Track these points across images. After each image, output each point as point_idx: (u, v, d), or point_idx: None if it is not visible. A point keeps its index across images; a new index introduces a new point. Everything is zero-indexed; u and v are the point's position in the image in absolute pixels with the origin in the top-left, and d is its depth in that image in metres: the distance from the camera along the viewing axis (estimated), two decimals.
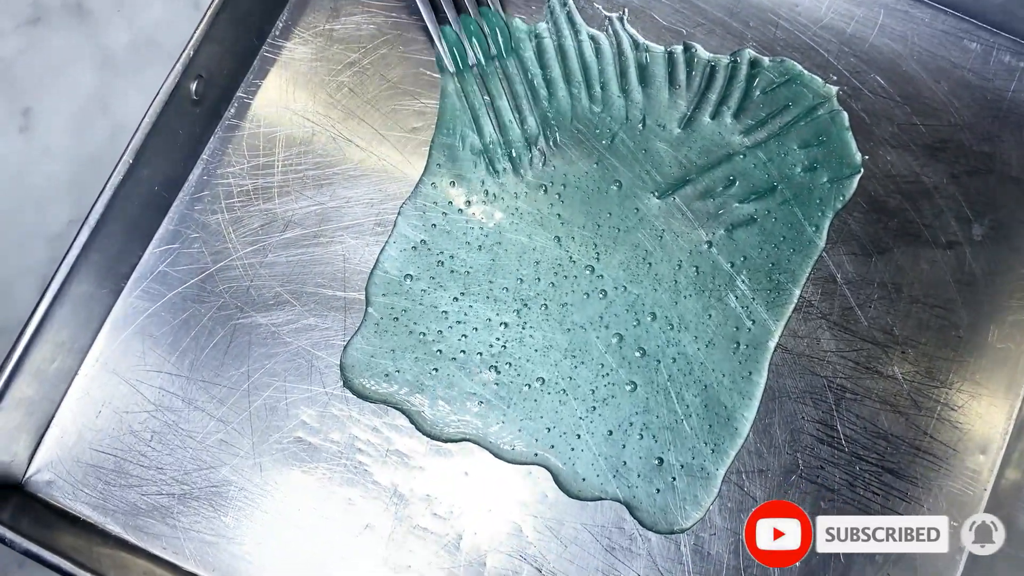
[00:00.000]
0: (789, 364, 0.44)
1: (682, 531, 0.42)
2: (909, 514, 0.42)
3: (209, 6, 0.42)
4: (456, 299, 0.44)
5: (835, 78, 0.47)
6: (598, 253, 0.44)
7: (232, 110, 0.46)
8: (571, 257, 0.44)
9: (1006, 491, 0.42)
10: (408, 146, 0.46)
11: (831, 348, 0.44)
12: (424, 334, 0.43)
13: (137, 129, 0.41)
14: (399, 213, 0.45)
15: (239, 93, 0.46)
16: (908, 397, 0.44)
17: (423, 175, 0.45)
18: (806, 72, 0.47)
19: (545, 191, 0.45)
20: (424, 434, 0.43)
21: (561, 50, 0.47)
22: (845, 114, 0.46)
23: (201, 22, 0.42)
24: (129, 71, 0.49)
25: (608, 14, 0.47)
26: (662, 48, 0.47)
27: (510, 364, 0.43)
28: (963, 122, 0.46)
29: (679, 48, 0.47)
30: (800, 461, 0.43)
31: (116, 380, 0.43)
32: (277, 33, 0.47)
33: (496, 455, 0.43)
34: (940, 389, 0.44)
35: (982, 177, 0.46)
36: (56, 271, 0.40)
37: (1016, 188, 0.46)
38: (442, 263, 0.44)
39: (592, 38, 0.47)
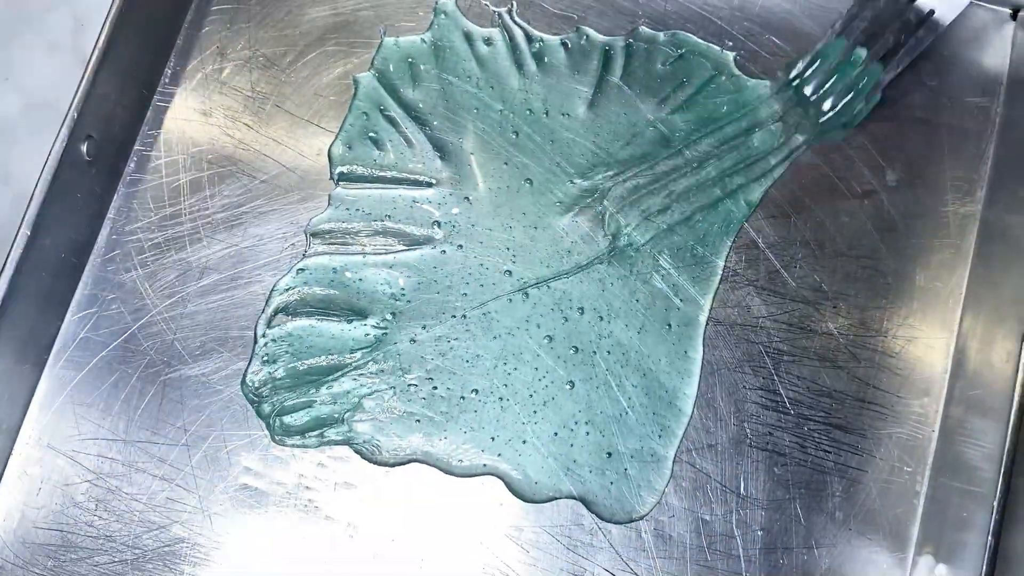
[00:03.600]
0: (723, 336, 0.44)
1: (641, 518, 0.42)
2: (861, 467, 0.42)
3: (87, 65, 0.42)
4: (376, 323, 0.43)
5: (731, 44, 0.47)
6: (513, 256, 0.44)
7: (132, 164, 0.45)
8: (481, 264, 0.44)
9: (953, 429, 0.42)
10: (313, 173, 0.45)
11: (763, 313, 0.44)
12: (348, 364, 0.43)
13: (31, 198, 0.40)
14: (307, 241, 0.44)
15: (136, 147, 0.45)
16: (846, 351, 0.44)
17: (329, 200, 0.45)
18: (701, 42, 0.47)
19: (453, 199, 0.44)
20: (370, 462, 0.42)
21: (454, 53, 0.46)
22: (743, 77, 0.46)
23: (81, 82, 0.41)
24: (26, 136, 0.48)
25: (496, 9, 0.47)
26: (557, 38, 0.46)
27: (443, 379, 0.43)
28: None
29: (572, 35, 0.46)
30: (748, 430, 0.43)
31: (52, 454, 0.42)
32: (167, 81, 0.46)
33: (445, 471, 0.42)
34: (876, 338, 0.44)
35: (888, 123, 0.46)
36: None
37: (923, 128, 0.46)
38: (349, 286, 0.44)
39: (485, 39, 0.46)
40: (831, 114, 0.44)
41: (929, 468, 0.42)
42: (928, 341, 0.44)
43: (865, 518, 0.42)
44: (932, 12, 0.44)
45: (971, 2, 0.45)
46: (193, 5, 0.47)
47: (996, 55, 0.47)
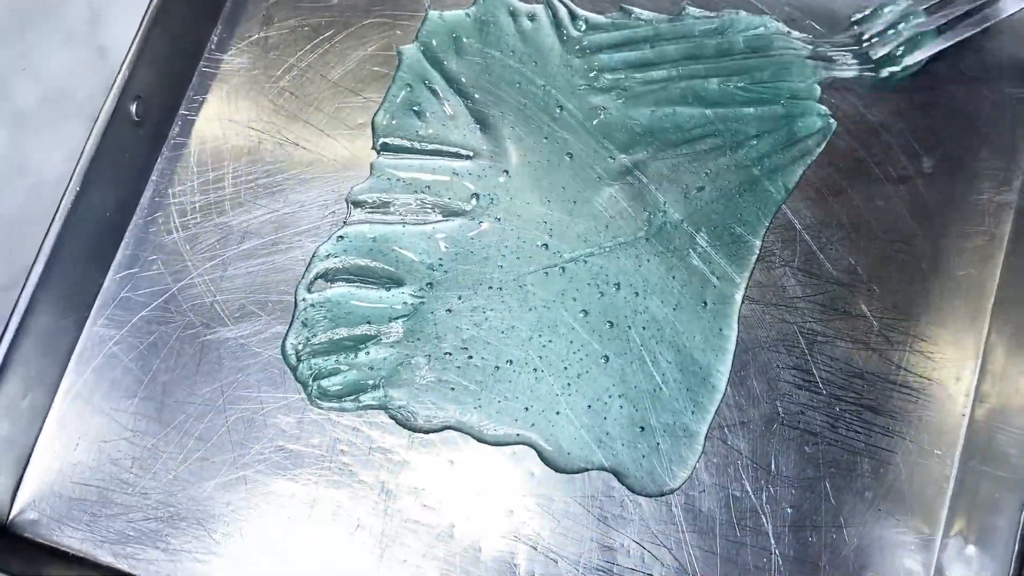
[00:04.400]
0: (758, 315, 0.44)
1: (671, 492, 0.42)
2: (891, 449, 0.43)
3: (140, 26, 0.42)
4: (413, 292, 0.44)
5: (776, 24, 0.47)
6: (551, 229, 0.44)
7: (176, 128, 0.46)
8: (519, 236, 0.44)
9: (983, 414, 0.43)
10: (356, 142, 0.46)
11: (798, 294, 0.44)
12: (385, 331, 0.43)
13: (81, 155, 0.41)
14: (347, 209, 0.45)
15: (181, 111, 0.46)
16: (879, 333, 0.44)
17: (371, 169, 0.45)
18: (754, 17, 0.47)
19: (492, 171, 0.45)
20: (404, 427, 0.43)
21: (498, 28, 0.47)
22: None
23: (134, 42, 0.42)
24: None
25: None
26: (601, 16, 0.47)
27: (478, 349, 0.43)
28: None
29: (616, 14, 0.47)
30: (780, 409, 0.43)
31: (90, 410, 0.43)
32: (213, 47, 0.47)
33: (479, 439, 0.43)
34: (909, 322, 0.44)
35: (926, 111, 0.46)
36: (15, 306, 0.40)
37: (961, 118, 0.46)
38: (387, 255, 0.44)
39: (528, 15, 0.47)
40: (876, 63, 0.46)
41: (959, 452, 0.43)
42: (960, 326, 0.44)
43: (894, 499, 0.42)
44: None
45: None
46: None
47: None
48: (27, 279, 0.40)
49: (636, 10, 0.47)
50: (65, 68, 0.48)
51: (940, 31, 0.45)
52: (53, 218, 0.40)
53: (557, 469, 0.42)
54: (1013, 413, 0.41)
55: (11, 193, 0.47)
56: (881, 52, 0.46)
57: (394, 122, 0.45)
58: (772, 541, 0.42)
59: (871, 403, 0.43)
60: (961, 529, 0.41)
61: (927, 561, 0.42)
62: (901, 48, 0.46)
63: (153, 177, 0.45)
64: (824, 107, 0.46)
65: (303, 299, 0.44)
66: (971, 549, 0.40)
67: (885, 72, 0.46)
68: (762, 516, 0.42)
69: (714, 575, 0.41)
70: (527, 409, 0.43)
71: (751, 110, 0.45)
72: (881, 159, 0.46)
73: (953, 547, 0.41)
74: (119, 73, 0.41)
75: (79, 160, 0.41)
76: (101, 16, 0.49)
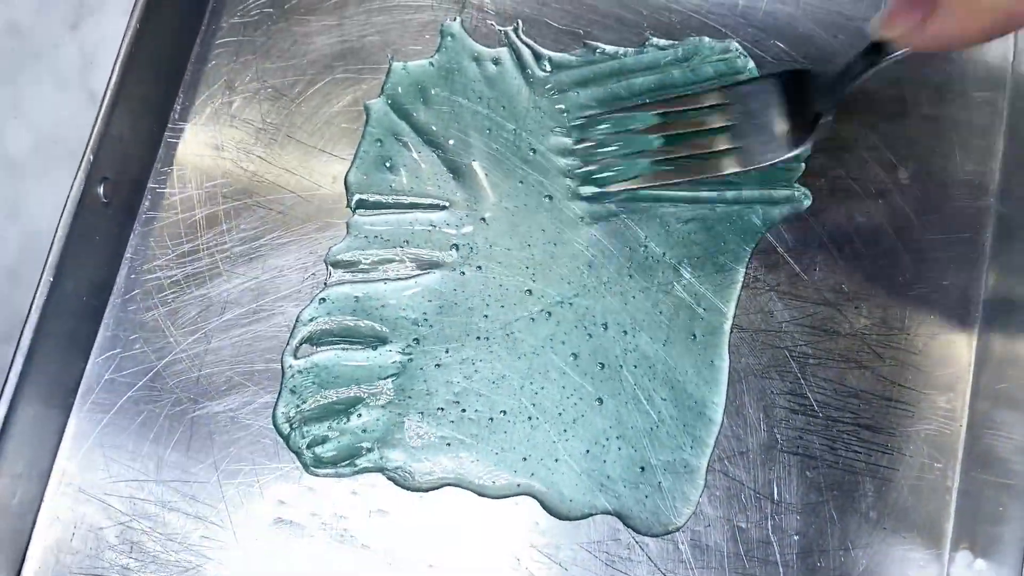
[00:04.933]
0: (748, 343, 0.44)
1: (677, 529, 0.42)
2: (892, 466, 0.42)
3: (101, 104, 0.42)
4: (401, 349, 0.43)
5: (740, 50, 0.47)
6: (533, 274, 0.44)
7: (146, 203, 0.45)
8: (501, 284, 0.44)
9: (980, 423, 0.43)
10: (330, 202, 0.45)
11: (786, 318, 0.44)
12: (375, 392, 0.43)
13: (52, 243, 0.40)
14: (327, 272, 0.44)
15: (150, 184, 0.45)
16: (870, 350, 0.44)
17: (348, 228, 0.45)
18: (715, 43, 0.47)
19: (470, 220, 0.45)
20: (403, 488, 0.42)
21: (463, 75, 0.46)
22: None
23: (95, 123, 0.41)
24: (37, 174, 0.47)
25: (502, 28, 0.47)
26: (565, 54, 0.47)
27: (470, 402, 0.43)
28: None
29: (581, 50, 0.47)
30: (778, 435, 0.43)
31: (84, 498, 0.42)
32: (176, 117, 0.46)
33: (479, 493, 0.42)
34: (899, 335, 0.44)
35: (897, 121, 0.46)
36: None
37: (931, 125, 0.46)
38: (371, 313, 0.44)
39: (493, 59, 0.46)
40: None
41: (959, 463, 0.43)
42: (951, 336, 0.44)
43: (899, 516, 0.42)
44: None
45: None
46: (198, 39, 0.47)
47: (999, 48, 0.47)
48: (8, 372, 0.39)
49: (600, 45, 0.47)
50: (58, 115, 0.48)
51: (654, 168, 0.44)
52: (29, 309, 0.39)
53: (561, 517, 0.42)
54: (1010, 420, 0.41)
55: (4, 242, 0.46)
56: (585, 169, 0.45)
57: (367, 178, 0.45)
58: (781, 570, 0.42)
59: (868, 422, 0.43)
60: (968, 542, 0.41)
61: None
62: (604, 173, 0.44)
63: (127, 255, 0.45)
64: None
65: (290, 366, 0.43)
66: (980, 563, 0.40)
67: (583, 190, 0.45)
68: (769, 546, 0.42)
69: None
70: (525, 459, 0.42)
71: None
72: (857, 174, 0.46)
73: (961, 561, 0.41)
74: (83, 157, 0.41)
75: (50, 248, 0.40)
76: (93, 63, 0.48)
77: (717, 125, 0.43)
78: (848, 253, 0.45)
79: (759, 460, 0.43)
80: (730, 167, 0.42)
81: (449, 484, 0.42)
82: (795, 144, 0.41)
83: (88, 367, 0.44)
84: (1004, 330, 0.43)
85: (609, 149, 0.44)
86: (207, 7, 0.47)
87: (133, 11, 0.43)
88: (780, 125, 0.42)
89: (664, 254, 0.44)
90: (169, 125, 0.46)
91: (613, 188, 0.44)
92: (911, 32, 0.33)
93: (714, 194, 0.44)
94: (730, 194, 0.44)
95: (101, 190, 0.42)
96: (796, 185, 0.45)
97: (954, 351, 0.44)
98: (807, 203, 0.45)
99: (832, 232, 0.45)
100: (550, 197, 0.45)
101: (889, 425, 0.43)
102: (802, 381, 0.43)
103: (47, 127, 0.48)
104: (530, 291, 0.44)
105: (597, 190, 0.44)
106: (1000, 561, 0.40)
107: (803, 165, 0.45)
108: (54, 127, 0.48)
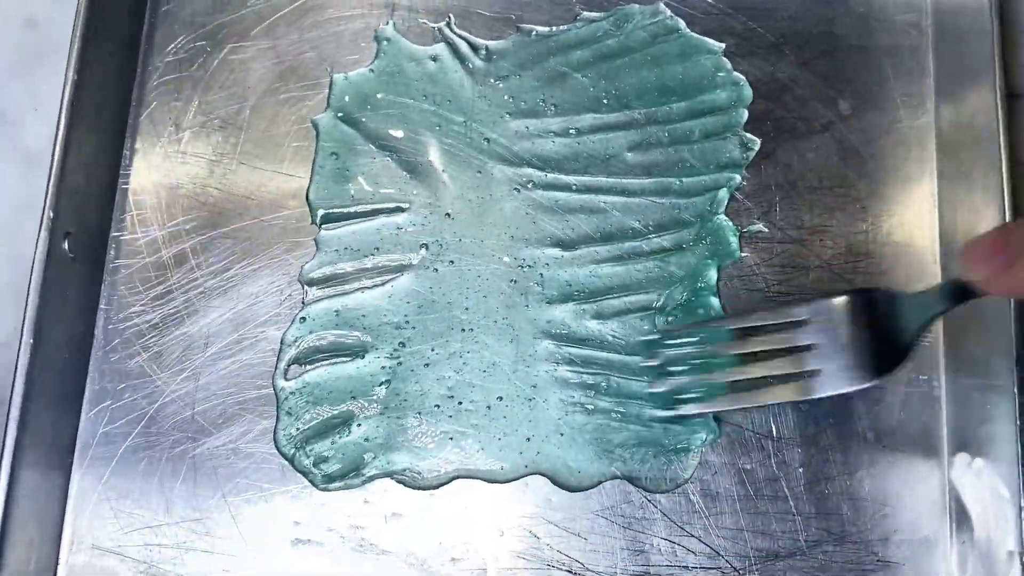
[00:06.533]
0: (724, 292, 0.45)
1: (685, 482, 0.43)
2: (880, 387, 0.44)
3: (52, 160, 0.41)
4: (388, 355, 0.44)
5: (669, 12, 0.48)
6: (507, 259, 0.45)
7: (111, 252, 0.45)
8: (478, 275, 0.45)
9: (956, 331, 0.44)
10: (294, 221, 0.45)
11: (755, 261, 0.45)
12: (371, 400, 0.43)
13: (26, 306, 0.40)
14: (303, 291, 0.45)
15: (112, 233, 0.45)
16: (841, 278, 0.45)
17: (316, 244, 0.45)
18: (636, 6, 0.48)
19: (434, 217, 0.45)
20: (414, 488, 0.43)
21: (404, 76, 0.47)
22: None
23: (50, 178, 0.41)
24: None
25: (435, 25, 0.48)
26: (501, 42, 0.47)
27: (465, 393, 0.43)
28: (796, 12, 0.48)
29: (516, 36, 0.47)
30: None
31: (99, 554, 0.42)
32: (127, 162, 0.46)
33: (490, 480, 0.43)
34: (865, 259, 0.45)
35: (829, 56, 0.47)
36: None
37: (863, 55, 0.48)
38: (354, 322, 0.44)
39: (431, 57, 0.47)
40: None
41: (943, 373, 0.44)
42: (914, 253, 0.45)
43: (895, 433, 0.44)
44: None
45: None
46: (136, 82, 0.47)
47: None
48: (3, 440, 0.39)
49: (534, 27, 0.47)
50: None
51: (733, 388, 0.41)
52: (14, 378, 0.39)
53: (572, 489, 0.43)
54: (983, 324, 0.43)
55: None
56: (659, 389, 0.43)
57: (327, 192, 0.45)
58: (792, 503, 0.43)
59: None
60: (964, 446, 0.43)
61: (940, 483, 0.43)
62: (681, 394, 0.42)
63: (102, 306, 0.44)
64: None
65: (282, 389, 0.43)
66: (978, 462, 0.42)
67: (655, 412, 0.43)
68: (777, 482, 0.43)
69: (745, 550, 0.42)
70: (529, 439, 0.43)
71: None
72: (800, 113, 0.47)
73: (960, 464, 0.43)
74: (43, 215, 0.41)
75: (25, 310, 0.40)
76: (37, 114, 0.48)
77: (796, 344, 0.40)
78: (803, 189, 0.46)
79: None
80: (809, 392, 0.39)
81: (458, 477, 0.43)
82: (877, 373, 0.38)
83: (81, 423, 0.43)
84: (963, 235, 0.44)
85: (684, 368, 0.42)
86: (139, 50, 0.47)
87: (68, 65, 0.42)
88: (861, 349, 0.39)
89: (640, 224, 0.45)
90: (121, 171, 0.46)
91: (691, 411, 0.42)
92: (992, 280, 0.34)
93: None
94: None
95: (66, 245, 0.42)
96: (743, 135, 0.46)
97: (920, 267, 0.45)
98: (753, 152, 0.46)
99: (785, 172, 0.46)
100: (518, 185, 0.45)
101: None
102: None
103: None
104: (510, 278, 0.44)
105: (673, 413, 0.42)
106: (996, 458, 0.41)
107: (746, 112, 0.47)
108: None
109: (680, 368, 0.42)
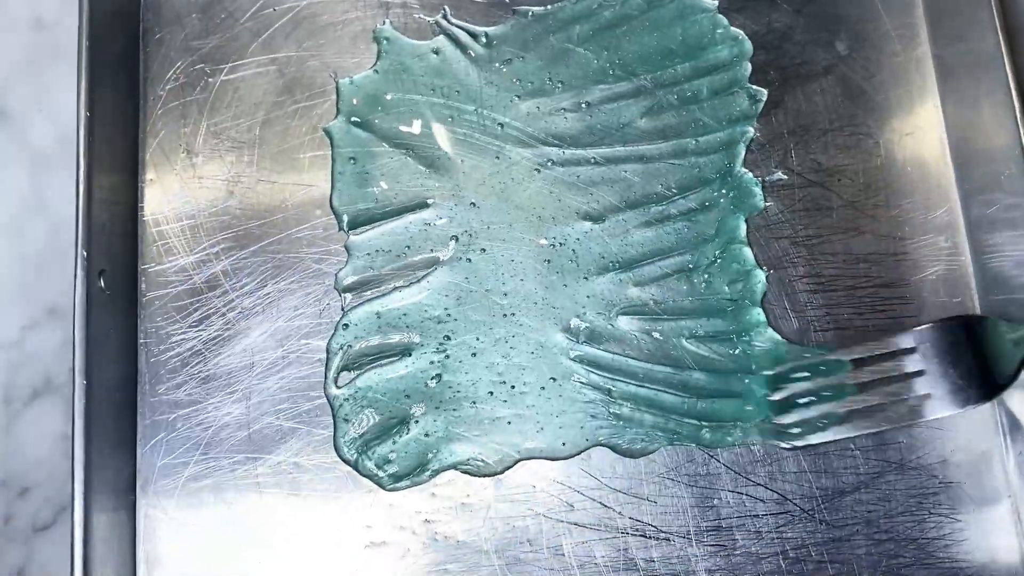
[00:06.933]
0: (753, 243, 0.45)
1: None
2: (916, 315, 0.45)
3: (77, 201, 0.41)
4: (435, 350, 0.44)
5: None
6: (540, 239, 0.45)
7: (143, 285, 0.45)
8: (511, 259, 0.45)
9: (980, 246, 0.45)
10: (322, 230, 0.45)
11: (780, 208, 0.46)
12: (425, 396, 0.44)
13: (74, 349, 0.40)
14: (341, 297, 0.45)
15: (141, 266, 0.45)
16: (864, 214, 0.46)
17: (347, 250, 0.45)
18: None
19: (460, 208, 0.45)
20: (480, 476, 0.43)
21: (409, 73, 0.47)
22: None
23: (78, 218, 0.41)
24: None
25: (431, 18, 0.48)
26: (499, 27, 0.47)
27: (517, 376, 0.44)
28: None
29: (513, 19, 0.47)
30: (808, 318, 0.45)
31: None
32: (144, 195, 0.46)
33: (552, 458, 0.43)
34: (884, 191, 0.46)
35: (820, 1, 0.48)
36: (72, 533, 0.39)
37: None
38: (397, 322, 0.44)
39: (433, 50, 0.47)
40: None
41: (976, 293, 0.45)
42: (932, 178, 0.46)
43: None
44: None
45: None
46: (143, 114, 0.47)
47: None
48: (72, 496, 0.39)
49: (530, 8, 0.48)
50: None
51: (849, 418, 0.43)
52: (72, 427, 0.39)
53: (634, 456, 0.43)
54: (1005, 239, 0.44)
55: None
56: (785, 420, 0.43)
57: (351, 197, 0.45)
58: (850, 440, 0.43)
59: (883, 281, 0.45)
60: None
61: None
62: (802, 426, 0.43)
63: (141, 341, 0.44)
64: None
65: (335, 397, 0.44)
66: None
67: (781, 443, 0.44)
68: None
69: (810, 491, 0.43)
70: (593, 416, 0.43)
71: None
72: (800, 59, 0.48)
73: None
74: (76, 254, 0.41)
75: (73, 354, 0.40)
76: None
77: (907, 371, 0.42)
78: (815, 132, 0.47)
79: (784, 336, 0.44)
80: (921, 414, 0.42)
81: (522, 459, 0.43)
82: (987, 395, 0.41)
83: (138, 459, 0.43)
84: (975, 160, 0.45)
85: (806, 401, 0.43)
86: (140, 82, 0.47)
87: (79, 110, 0.42)
88: (967, 373, 0.42)
89: (663, 187, 0.46)
90: (141, 204, 0.46)
91: (814, 439, 0.43)
92: None
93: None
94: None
95: (102, 283, 0.42)
96: (750, 87, 0.47)
97: (939, 191, 0.46)
98: (761, 103, 0.47)
99: (795, 118, 0.47)
100: (538, 166, 0.46)
101: (902, 278, 0.45)
102: (813, 261, 0.45)
103: (73, 120, 0.44)
104: (545, 258, 0.45)
105: (800, 444, 0.43)
106: None
107: (749, 65, 0.47)
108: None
109: (804, 400, 0.43)
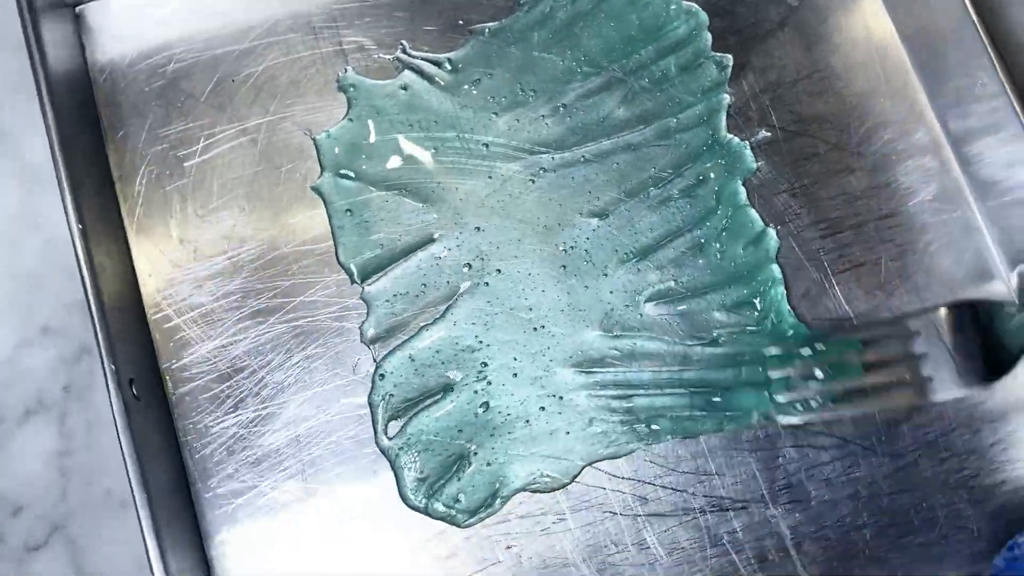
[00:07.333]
0: (757, 204, 0.46)
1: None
2: (922, 236, 0.46)
3: (90, 310, 0.40)
4: (476, 379, 0.44)
5: None
6: (554, 251, 0.45)
7: (169, 384, 0.44)
8: (529, 273, 0.45)
9: (966, 160, 0.46)
10: (333, 289, 0.45)
11: (770, 166, 0.47)
12: (477, 428, 0.44)
13: (125, 464, 0.39)
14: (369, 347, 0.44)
15: (163, 365, 0.44)
16: (851, 152, 0.47)
17: (365, 302, 0.45)
18: None
19: (466, 234, 0.45)
20: (549, 491, 0.43)
21: (383, 114, 0.47)
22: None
23: (97, 334, 0.40)
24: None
25: (391, 56, 0.48)
26: (459, 51, 0.47)
27: (562, 387, 0.44)
28: None
29: (472, 40, 0.48)
30: (822, 255, 0.46)
31: None
32: (155, 296, 0.45)
33: (614, 457, 0.44)
34: (862, 128, 0.47)
35: None
36: None
37: None
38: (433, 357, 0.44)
39: (401, 87, 0.47)
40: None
41: (972, 202, 0.46)
42: (904, 104, 0.48)
43: (949, 273, 0.46)
44: None
45: None
46: (126, 211, 0.46)
47: None
48: None
49: (485, 26, 0.48)
50: None
51: (851, 398, 0.44)
52: (145, 545, 0.38)
53: (695, 435, 0.44)
54: (983, 145, 0.45)
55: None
56: (783, 399, 0.44)
57: (355, 249, 0.45)
58: None
59: (884, 212, 0.46)
60: (1017, 256, 0.45)
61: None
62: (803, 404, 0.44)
63: (183, 438, 0.43)
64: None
65: (389, 448, 0.43)
66: None
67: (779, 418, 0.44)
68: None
69: (867, 429, 0.44)
70: (643, 420, 0.44)
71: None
72: (754, 18, 0.49)
73: (1017, 275, 0.45)
74: (104, 368, 0.40)
75: (126, 469, 0.39)
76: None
77: (911, 353, 0.44)
78: (787, 84, 0.48)
79: (819, 290, 0.45)
80: (923, 396, 0.44)
81: (586, 464, 0.43)
82: (986, 377, 0.44)
83: (212, 559, 0.42)
84: (943, 76, 0.47)
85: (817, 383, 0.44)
86: (112, 183, 0.46)
87: (70, 226, 0.41)
88: (969, 357, 0.44)
89: (657, 170, 0.46)
90: (148, 305, 0.45)
91: (818, 418, 0.44)
92: None
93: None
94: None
95: (133, 391, 0.41)
96: (714, 55, 0.47)
97: (914, 115, 0.48)
98: (729, 68, 0.47)
99: (764, 75, 0.48)
100: (531, 176, 0.46)
101: (900, 205, 0.46)
102: (814, 209, 0.46)
103: None
104: (563, 266, 0.45)
105: (797, 420, 0.44)
106: None
107: (708, 35, 0.48)
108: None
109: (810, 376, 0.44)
